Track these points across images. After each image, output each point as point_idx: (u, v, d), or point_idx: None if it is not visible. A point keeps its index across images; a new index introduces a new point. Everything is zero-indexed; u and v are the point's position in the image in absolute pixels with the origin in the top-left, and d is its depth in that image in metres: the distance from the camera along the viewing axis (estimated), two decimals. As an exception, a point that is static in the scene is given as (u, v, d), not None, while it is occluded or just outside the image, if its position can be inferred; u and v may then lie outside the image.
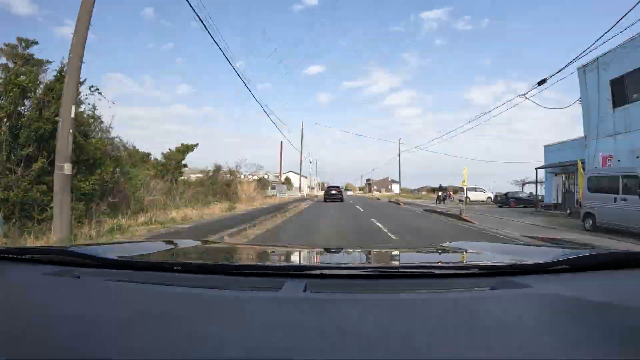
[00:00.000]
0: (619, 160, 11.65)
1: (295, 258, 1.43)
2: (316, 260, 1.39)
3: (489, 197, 31.14)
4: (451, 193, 36.28)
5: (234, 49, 35.19)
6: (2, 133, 6.11)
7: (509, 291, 0.79)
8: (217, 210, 13.95)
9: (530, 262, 1.04)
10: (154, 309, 0.68)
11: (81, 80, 6.59)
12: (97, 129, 8.47)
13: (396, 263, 1.33)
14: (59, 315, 0.66)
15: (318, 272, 0.90)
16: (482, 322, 0.64)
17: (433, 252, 1.60)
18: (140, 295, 0.77)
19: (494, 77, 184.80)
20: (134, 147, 15.16)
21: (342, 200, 26.55)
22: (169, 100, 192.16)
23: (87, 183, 7.02)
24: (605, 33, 8.93)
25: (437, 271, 0.93)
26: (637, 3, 7.98)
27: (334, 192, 27.33)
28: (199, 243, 1.65)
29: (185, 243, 1.60)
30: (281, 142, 38.55)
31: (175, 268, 0.93)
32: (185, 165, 17.61)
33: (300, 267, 1.05)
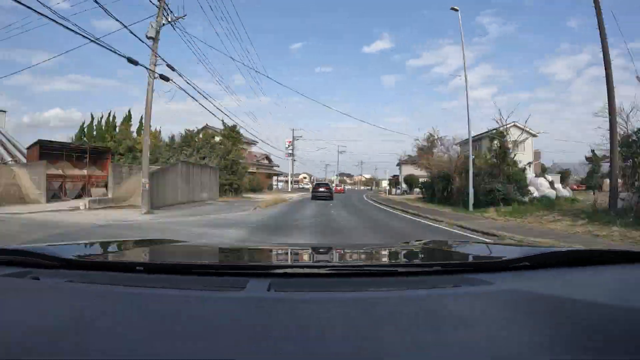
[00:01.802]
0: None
1: (259, 257, 1.43)
2: (281, 259, 1.40)
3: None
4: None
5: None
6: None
7: (471, 288, 0.80)
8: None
9: (493, 259, 1.05)
10: (115, 310, 0.67)
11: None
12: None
13: (361, 262, 1.33)
14: (15, 319, 0.64)
15: (282, 271, 0.91)
16: (445, 319, 0.65)
17: (398, 250, 1.61)
18: (102, 297, 0.75)
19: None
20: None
21: (331, 198, 24.45)
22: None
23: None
24: None
25: (400, 269, 0.94)
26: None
27: (322, 189, 25.66)
28: (164, 243, 1.63)
29: (149, 243, 1.59)
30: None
31: (137, 268, 0.92)
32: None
33: (264, 267, 1.05)
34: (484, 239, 7.31)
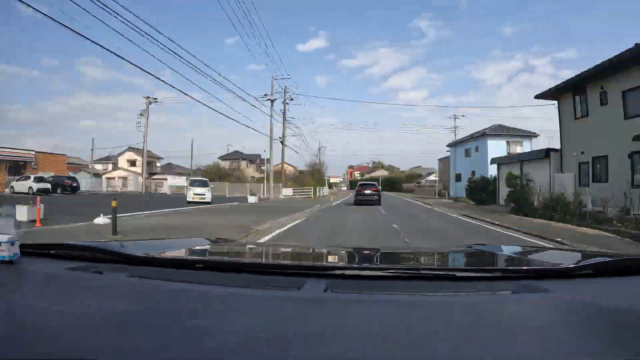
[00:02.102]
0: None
1: (315, 258, 1.44)
2: (336, 260, 1.40)
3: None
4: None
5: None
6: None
7: (530, 295, 0.78)
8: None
9: (553, 266, 1.02)
10: (175, 306, 0.69)
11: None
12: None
13: (417, 264, 1.31)
14: (81, 310, 0.67)
15: (339, 272, 0.91)
16: (503, 326, 0.63)
17: (454, 253, 1.59)
18: (162, 292, 0.78)
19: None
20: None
21: (379, 202, 18.80)
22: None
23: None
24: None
25: (458, 273, 0.93)
26: None
27: (368, 191, 19.46)
28: (221, 241, 1.67)
29: (207, 242, 1.62)
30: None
31: (197, 265, 0.94)
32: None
33: (320, 267, 1.05)
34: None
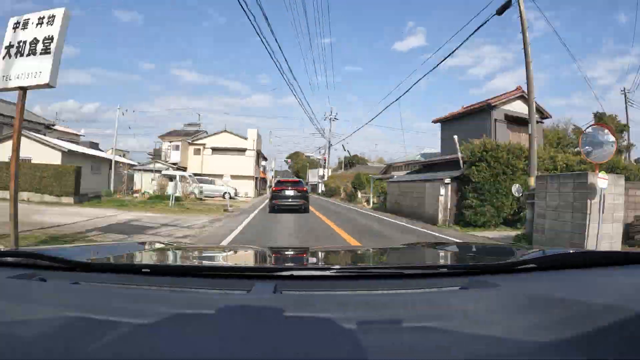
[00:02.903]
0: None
1: (264, 259, 1.42)
2: (286, 261, 1.39)
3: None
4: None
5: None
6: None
7: (478, 290, 0.79)
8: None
9: (498, 261, 1.05)
10: (121, 311, 0.67)
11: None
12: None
13: (366, 264, 1.32)
14: (22, 319, 0.64)
15: (288, 273, 0.90)
16: (451, 319, 0.64)
17: (401, 251, 1.60)
18: (107, 298, 0.75)
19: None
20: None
21: (306, 210, 14.09)
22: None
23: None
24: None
25: (406, 271, 0.93)
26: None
27: (290, 192, 13.87)
28: (168, 245, 1.64)
29: (155, 245, 1.60)
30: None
31: (143, 270, 0.92)
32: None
33: (269, 269, 1.04)
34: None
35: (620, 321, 0.62)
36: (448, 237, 8.73)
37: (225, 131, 34.34)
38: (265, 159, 48.18)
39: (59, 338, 0.58)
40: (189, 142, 33.94)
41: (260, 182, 44.16)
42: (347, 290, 0.80)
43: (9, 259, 0.98)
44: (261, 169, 45.10)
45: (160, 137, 34.99)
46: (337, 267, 1.05)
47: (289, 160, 79.83)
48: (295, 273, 0.91)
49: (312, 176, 66.95)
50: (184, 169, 30.10)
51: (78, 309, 0.68)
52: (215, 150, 33.75)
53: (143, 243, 1.66)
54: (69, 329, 0.60)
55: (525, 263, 0.97)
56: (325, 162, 46.89)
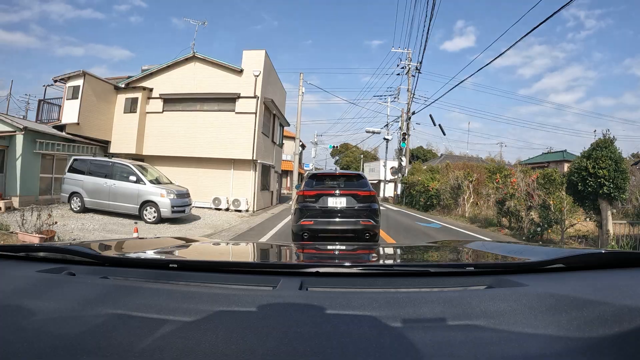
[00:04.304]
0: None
1: (290, 256, 1.43)
2: (312, 258, 1.39)
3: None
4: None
5: None
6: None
7: (504, 290, 0.78)
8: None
9: (526, 261, 1.04)
10: (149, 307, 0.68)
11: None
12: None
13: (391, 261, 1.34)
14: (52, 313, 0.66)
15: (313, 270, 0.89)
16: (479, 319, 0.63)
17: (427, 249, 1.59)
18: (135, 292, 0.76)
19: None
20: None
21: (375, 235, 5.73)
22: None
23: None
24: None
25: (432, 269, 0.94)
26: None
27: (335, 203, 5.49)
28: (196, 241, 1.66)
29: (184, 241, 1.61)
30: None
31: (171, 265, 0.93)
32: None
33: (295, 265, 1.05)
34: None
35: None
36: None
37: (195, 56, 15.28)
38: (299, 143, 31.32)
39: (87, 333, 0.59)
40: (115, 87, 15.31)
41: (284, 179, 31.50)
42: (373, 288, 0.81)
43: (40, 254, 1.01)
44: (289, 156, 30.02)
45: (58, 80, 13.91)
46: (363, 264, 1.06)
47: (335, 149, 62.35)
48: (321, 270, 0.90)
49: (371, 172, 45.48)
50: (96, 143, 14.48)
51: (106, 304, 0.69)
52: (170, 101, 14.99)
53: (172, 238, 1.71)
54: (98, 323, 0.62)
55: (553, 263, 0.95)
56: (403, 143, 26.14)
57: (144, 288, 0.78)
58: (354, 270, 0.93)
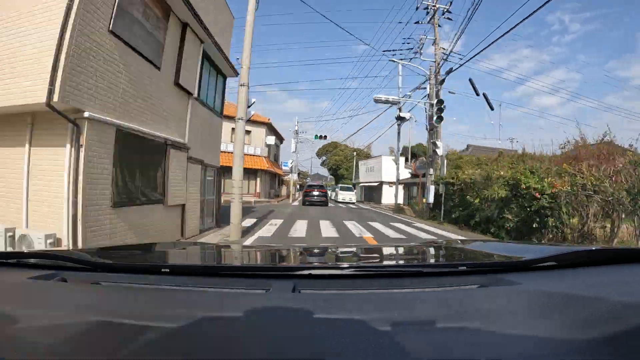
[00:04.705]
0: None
1: (283, 259, 1.42)
2: (304, 260, 1.37)
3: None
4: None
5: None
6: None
7: (497, 288, 0.79)
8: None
9: (517, 259, 1.04)
10: (141, 312, 0.67)
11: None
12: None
13: (384, 262, 1.32)
14: (43, 320, 0.65)
15: (306, 272, 0.89)
16: (471, 317, 0.64)
17: (419, 250, 1.60)
18: (127, 298, 0.76)
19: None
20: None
21: (326, 204, 21.53)
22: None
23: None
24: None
25: (425, 269, 0.94)
26: None
27: (315, 192, 21.61)
28: (189, 245, 1.79)
29: (176, 245, 1.70)
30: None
31: (162, 270, 0.92)
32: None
33: (288, 268, 1.04)
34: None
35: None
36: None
37: None
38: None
39: (79, 339, 0.58)
40: None
41: (251, 182, 25.79)
42: (366, 289, 0.80)
43: (31, 260, 0.99)
44: (258, 149, 26.27)
45: None
46: (356, 265, 1.05)
47: (322, 149, 53.11)
48: (313, 272, 0.90)
49: (368, 173, 37.57)
50: None
51: (99, 310, 0.68)
52: None
53: (164, 243, 1.79)
54: (90, 329, 0.61)
55: (545, 261, 0.95)
56: (437, 118, 15.75)
57: (135, 294, 0.78)
58: (347, 271, 0.92)
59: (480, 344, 0.55)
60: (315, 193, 21.43)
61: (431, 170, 15.40)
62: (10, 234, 4.43)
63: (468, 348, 0.54)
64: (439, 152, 15.54)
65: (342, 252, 1.54)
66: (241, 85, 7.80)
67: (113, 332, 0.59)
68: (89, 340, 0.57)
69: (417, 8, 17.76)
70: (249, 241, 7.40)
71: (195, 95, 7.99)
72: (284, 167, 30.76)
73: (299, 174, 41.55)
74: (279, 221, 11.25)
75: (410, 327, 0.60)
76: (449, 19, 17.62)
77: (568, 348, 0.54)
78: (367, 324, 0.60)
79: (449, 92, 24.65)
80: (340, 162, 49.77)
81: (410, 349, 0.54)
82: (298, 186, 40.22)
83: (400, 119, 19.00)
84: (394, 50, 28.98)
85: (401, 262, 1.31)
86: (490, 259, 1.17)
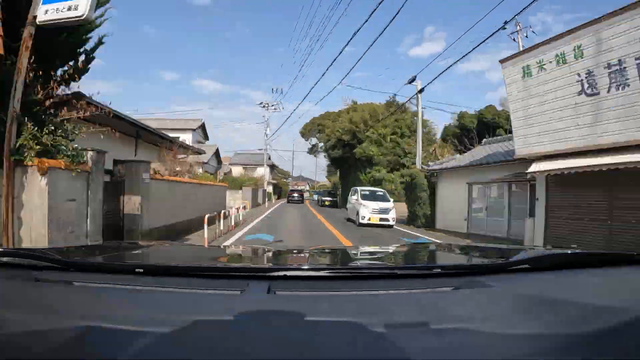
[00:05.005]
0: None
1: (258, 260, 1.41)
2: (280, 261, 1.37)
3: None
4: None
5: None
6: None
7: (471, 291, 0.79)
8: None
9: (492, 262, 1.05)
10: (114, 312, 0.67)
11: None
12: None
13: (359, 264, 1.32)
14: (15, 320, 0.64)
15: (281, 273, 0.89)
16: (446, 321, 0.64)
17: (394, 251, 1.61)
18: (100, 297, 0.75)
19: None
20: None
21: (302, 201, 32.10)
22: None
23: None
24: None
25: (398, 271, 0.95)
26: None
27: (296, 195, 32.71)
28: (163, 244, 1.73)
29: (150, 245, 1.61)
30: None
31: (136, 270, 0.91)
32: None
33: (263, 269, 1.02)
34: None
35: (616, 322, 0.62)
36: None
37: None
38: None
39: (51, 340, 0.57)
40: None
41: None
42: (341, 291, 0.80)
43: (3, 259, 0.97)
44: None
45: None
46: (331, 267, 1.07)
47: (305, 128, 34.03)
48: (288, 273, 0.90)
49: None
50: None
51: (71, 310, 0.68)
52: None
53: (137, 243, 1.83)
54: (62, 330, 0.60)
55: (519, 264, 0.96)
56: None
57: (108, 294, 0.77)
58: (322, 273, 0.92)
59: (454, 347, 0.55)
60: (295, 195, 32.62)
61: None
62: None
63: (442, 351, 0.54)
64: None
65: (317, 254, 1.54)
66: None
67: (84, 333, 0.58)
68: (60, 341, 0.56)
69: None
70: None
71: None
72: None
73: (272, 166, 37.87)
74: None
75: (384, 329, 0.60)
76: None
77: (542, 350, 0.54)
78: (343, 326, 0.60)
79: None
80: (351, 138, 25.80)
81: (384, 351, 0.54)
82: (272, 187, 35.75)
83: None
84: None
85: (376, 263, 1.32)
86: (465, 261, 1.18)
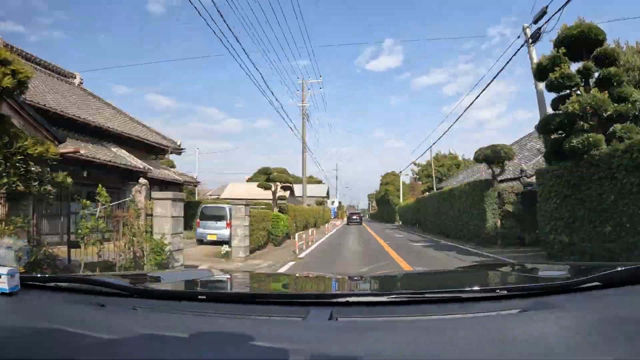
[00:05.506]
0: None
1: (320, 286, 1.43)
2: (341, 288, 1.38)
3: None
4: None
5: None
6: None
7: (539, 312, 0.76)
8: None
9: (559, 281, 1.01)
10: (180, 338, 0.68)
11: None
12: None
13: (422, 288, 1.24)
14: (81, 344, 0.66)
15: (343, 299, 0.89)
16: (514, 345, 0.62)
17: (457, 274, 1.58)
18: (164, 324, 0.76)
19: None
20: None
21: (360, 223, 35.65)
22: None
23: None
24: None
25: (463, 295, 0.91)
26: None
27: (355, 217, 36.27)
28: (226, 273, 1.73)
29: (214, 273, 1.67)
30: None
31: (199, 297, 0.94)
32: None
33: (325, 295, 1.03)
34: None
35: None
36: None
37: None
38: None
39: None
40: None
41: None
42: (404, 316, 0.79)
43: (65, 284, 1.02)
44: None
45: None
46: (393, 292, 1.04)
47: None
48: (350, 299, 0.89)
49: None
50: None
51: (137, 335, 0.70)
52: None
53: (202, 270, 1.83)
54: (129, 354, 0.62)
55: (589, 281, 0.91)
56: None
57: (173, 319, 0.79)
58: (385, 298, 0.92)
59: None
60: (355, 217, 36.17)
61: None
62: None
63: None
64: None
65: (380, 279, 1.53)
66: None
67: (152, 356, 0.61)
68: None
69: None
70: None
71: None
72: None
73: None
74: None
75: (450, 353, 0.59)
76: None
77: None
78: (408, 351, 0.60)
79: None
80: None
81: None
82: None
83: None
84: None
85: (439, 287, 1.29)
86: (530, 282, 1.13)
